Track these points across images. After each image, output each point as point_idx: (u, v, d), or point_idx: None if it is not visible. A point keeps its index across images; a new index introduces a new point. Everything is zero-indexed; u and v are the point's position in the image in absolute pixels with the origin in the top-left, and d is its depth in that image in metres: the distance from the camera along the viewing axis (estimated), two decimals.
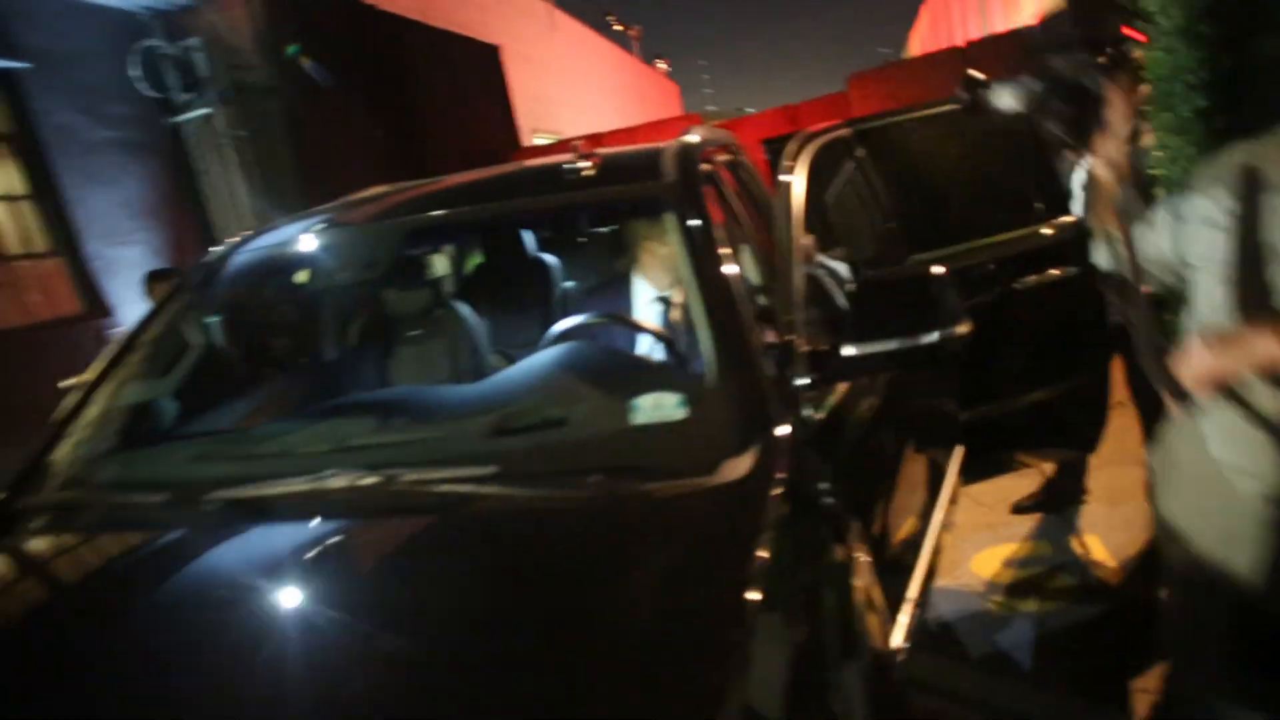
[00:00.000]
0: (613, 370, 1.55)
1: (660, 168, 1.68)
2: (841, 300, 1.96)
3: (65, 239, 5.14)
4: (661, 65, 25.77)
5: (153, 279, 4.60)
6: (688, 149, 1.74)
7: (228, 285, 2.08)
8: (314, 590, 1.09)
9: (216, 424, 2.03)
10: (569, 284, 3.13)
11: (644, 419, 1.28)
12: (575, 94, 15.58)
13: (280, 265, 2.14)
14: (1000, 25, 12.61)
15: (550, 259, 3.02)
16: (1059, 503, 2.99)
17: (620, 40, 20.64)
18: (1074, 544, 2.75)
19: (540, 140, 11.48)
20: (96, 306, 5.24)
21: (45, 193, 5.06)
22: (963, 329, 1.27)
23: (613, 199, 1.88)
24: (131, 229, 5.55)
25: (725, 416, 1.24)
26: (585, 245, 3.36)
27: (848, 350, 1.31)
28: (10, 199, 4.95)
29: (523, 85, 11.06)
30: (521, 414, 1.38)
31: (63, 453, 1.70)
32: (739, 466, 1.15)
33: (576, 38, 16.54)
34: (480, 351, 2.44)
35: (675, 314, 2.12)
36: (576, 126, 14.21)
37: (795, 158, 1.84)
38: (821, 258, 2.30)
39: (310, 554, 1.17)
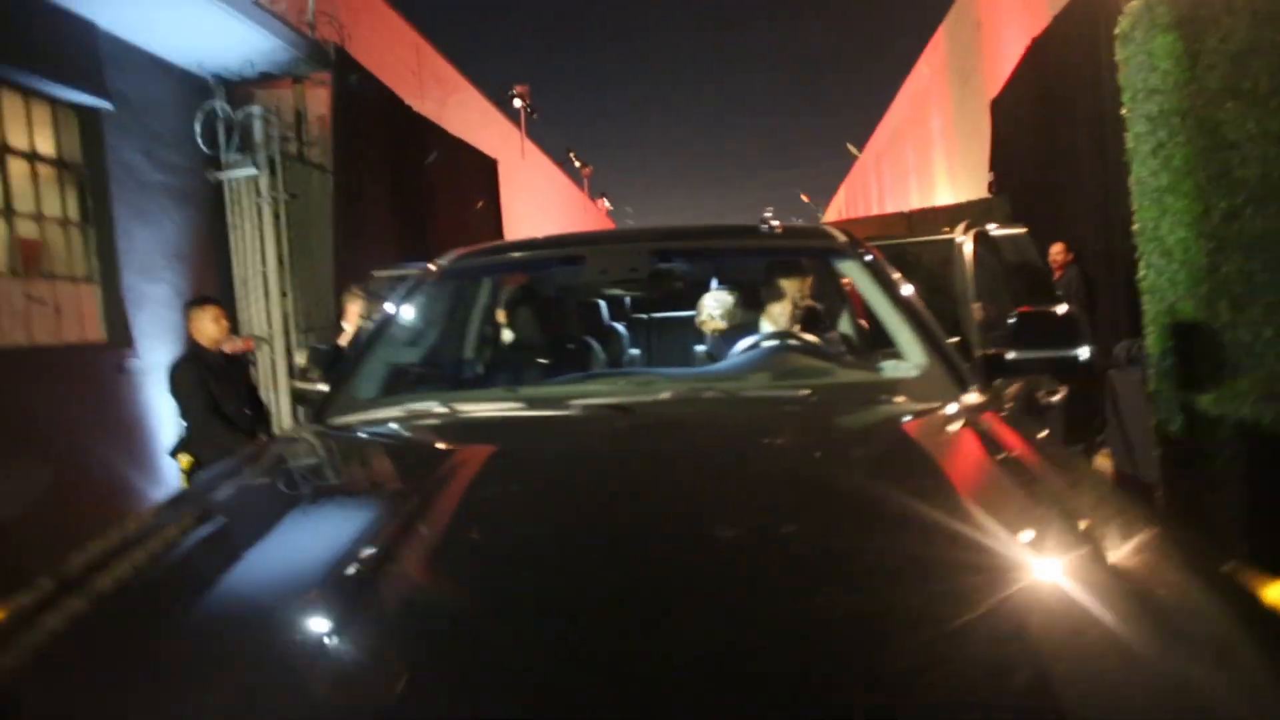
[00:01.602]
0: (825, 354, 2.10)
1: (830, 234, 2.35)
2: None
3: (106, 268, 5.28)
4: (605, 204, 27.57)
5: (192, 305, 4.76)
6: (843, 229, 2.43)
7: (455, 282, 2.56)
8: (723, 461, 1.39)
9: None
10: (634, 351, 3.77)
11: (889, 374, 1.81)
12: (535, 214, 16.61)
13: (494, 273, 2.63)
14: (918, 203, 14.72)
15: (620, 328, 3.68)
16: None
17: (575, 176, 22.19)
18: None
19: None
20: (121, 336, 5.31)
21: (98, 222, 5.24)
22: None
23: (798, 250, 2.50)
24: (163, 266, 5.72)
25: (944, 374, 1.71)
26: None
27: (1011, 355, 1.87)
28: (65, 223, 5.10)
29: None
30: (786, 372, 1.86)
31: (365, 385, 2.05)
32: (972, 399, 1.64)
33: (541, 168, 17.82)
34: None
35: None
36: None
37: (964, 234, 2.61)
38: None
39: (707, 443, 1.50)
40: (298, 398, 2.20)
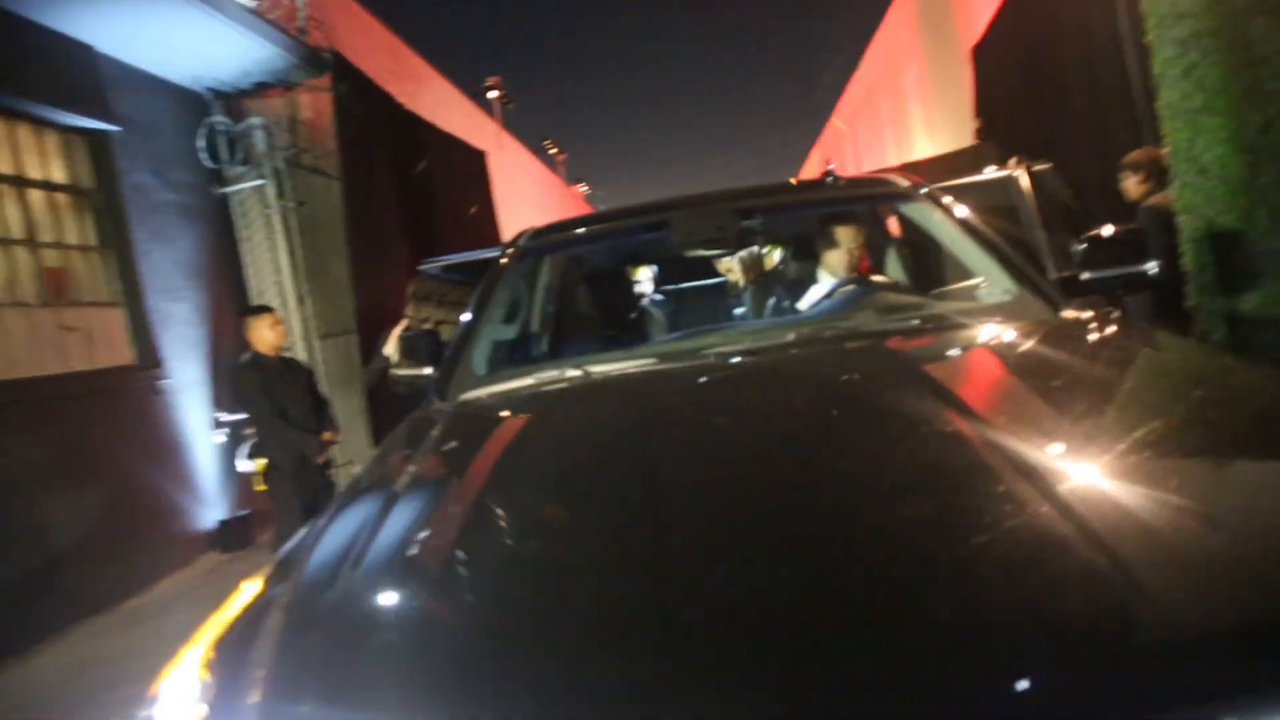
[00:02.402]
0: (910, 291, 2.20)
1: (896, 181, 2.43)
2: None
3: (130, 291, 5.27)
4: (583, 188, 27.49)
5: (248, 314, 4.79)
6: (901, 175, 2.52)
7: (529, 261, 2.66)
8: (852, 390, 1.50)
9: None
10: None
11: (987, 299, 1.89)
12: (514, 204, 16.59)
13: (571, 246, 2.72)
14: (895, 158, 14.86)
15: (660, 299, 3.85)
16: None
17: (550, 163, 22.12)
18: None
19: None
20: (149, 357, 5.31)
21: (118, 246, 5.23)
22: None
23: (869, 198, 2.59)
24: (183, 285, 5.71)
25: (1035, 297, 1.82)
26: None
27: (1084, 275, 1.97)
28: (86, 249, 5.08)
29: None
30: (887, 308, 1.95)
31: (479, 363, 2.13)
32: (1073, 315, 1.73)
33: (519, 158, 17.76)
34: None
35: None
36: (512, 230, 15.08)
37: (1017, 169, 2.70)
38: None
39: (844, 376, 1.59)
40: (395, 384, 2.27)
